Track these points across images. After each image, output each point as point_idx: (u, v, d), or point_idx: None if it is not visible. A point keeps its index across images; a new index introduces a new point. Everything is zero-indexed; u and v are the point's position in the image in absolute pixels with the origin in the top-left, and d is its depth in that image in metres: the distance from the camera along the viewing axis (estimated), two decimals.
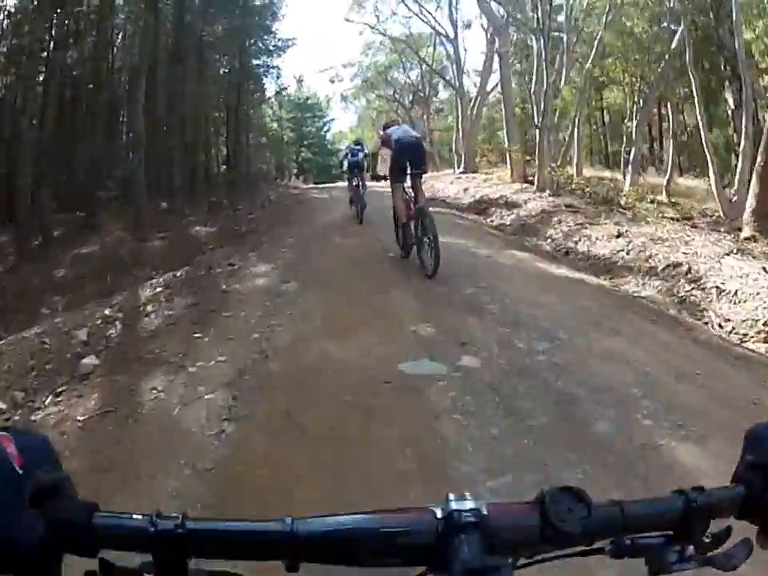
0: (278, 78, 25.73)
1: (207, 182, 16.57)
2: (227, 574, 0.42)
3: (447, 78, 21.98)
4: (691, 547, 0.45)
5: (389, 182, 5.39)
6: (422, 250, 4.95)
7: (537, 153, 9.99)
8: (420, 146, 5.23)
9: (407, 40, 23.56)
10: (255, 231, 7.66)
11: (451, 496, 0.42)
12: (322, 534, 0.40)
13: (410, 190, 5.25)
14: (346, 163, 10.03)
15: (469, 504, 0.41)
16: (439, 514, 0.41)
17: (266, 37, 21.87)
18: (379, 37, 26.04)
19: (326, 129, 38.06)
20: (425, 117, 31.90)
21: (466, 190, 11.80)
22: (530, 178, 12.10)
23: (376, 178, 6.42)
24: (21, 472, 0.38)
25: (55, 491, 0.39)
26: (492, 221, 8.89)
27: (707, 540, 0.45)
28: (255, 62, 21.94)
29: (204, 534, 0.40)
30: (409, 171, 5.12)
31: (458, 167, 17.88)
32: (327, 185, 19.36)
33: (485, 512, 0.41)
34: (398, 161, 5.14)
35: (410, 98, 32.73)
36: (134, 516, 0.40)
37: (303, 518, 0.41)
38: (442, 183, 14.84)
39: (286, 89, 26.21)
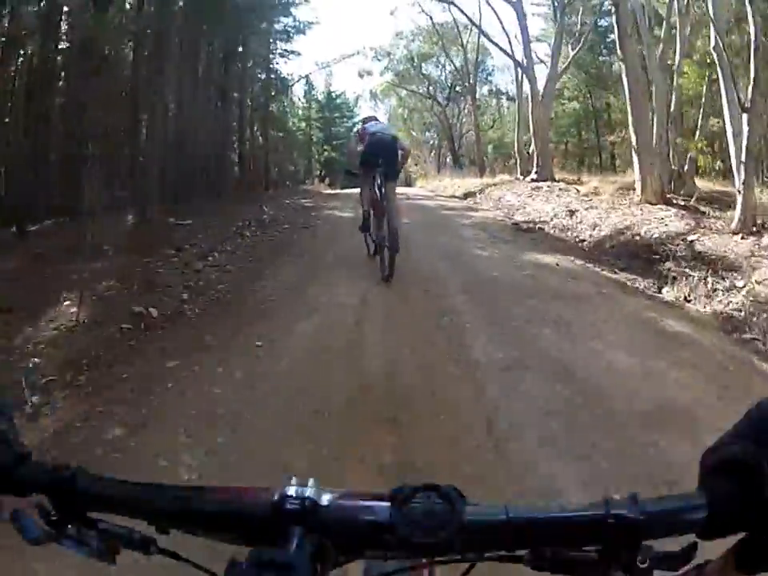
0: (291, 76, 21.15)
1: (209, 188, 12.39)
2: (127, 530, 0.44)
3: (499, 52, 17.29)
4: (620, 573, 0.37)
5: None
6: (382, 254, 4.68)
7: (743, 156, 5.22)
8: (394, 146, 4.84)
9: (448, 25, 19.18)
10: (148, 357, 3.23)
11: (293, 480, 0.40)
12: (177, 504, 0.42)
13: (381, 191, 4.66)
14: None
15: (306, 491, 0.39)
16: (275, 497, 0.39)
17: (279, 18, 17.91)
18: (414, 20, 21.82)
19: (355, 129, 34.68)
20: (467, 112, 27.45)
21: (572, 213, 7.18)
22: (668, 196, 7.49)
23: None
24: None
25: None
26: (688, 298, 4.19)
27: (644, 565, 0.36)
28: (264, 43, 17.98)
29: (95, 484, 0.44)
30: (380, 170, 4.66)
31: (521, 172, 13.32)
32: (355, 190, 15.37)
33: (323, 503, 0.38)
34: (368, 157, 4.76)
35: (447, 93, 28.20)
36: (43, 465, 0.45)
37: (177, 485, 0.43)
38: (515, 196, 10.26)
39: (309, 79, 21.88)
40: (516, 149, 14.30)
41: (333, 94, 37.71)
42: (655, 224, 5.66)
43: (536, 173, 12.49)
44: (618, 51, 8.16)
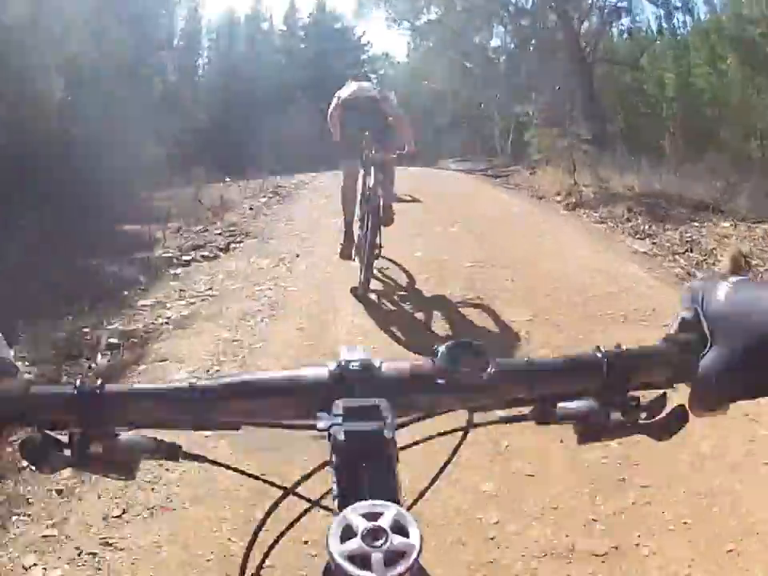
0: None
1: None
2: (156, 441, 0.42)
3: None
4: (618, 414, 0.43)
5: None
6: (368, 268, 3.56)
7: None
8: (379, 109, 3.85)
9: None
10: None
11: (344, 348, 0.43)
12: (228, 389, 0.41)
13: (368, 176, 3.70)
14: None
15: (360, 354, 0.42)
16: (332, 367, 0.41)
17: None
18: None
19: (363, 69, 22.11)
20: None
21: None
22: None
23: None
24: None
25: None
26: None
27: (634, 405, 0.43)
28: None
29: (124, 396, 0.41)
30: (364, 144, 3.65)
31: None
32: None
33: (377, 364, 0.42)
34: (347, 131, 3.88)
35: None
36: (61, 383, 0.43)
37: (207, 377, 0.42)
38: None
39: None
40: None
41: (328, 14, 24.36)
42: None
43: None
44: None
